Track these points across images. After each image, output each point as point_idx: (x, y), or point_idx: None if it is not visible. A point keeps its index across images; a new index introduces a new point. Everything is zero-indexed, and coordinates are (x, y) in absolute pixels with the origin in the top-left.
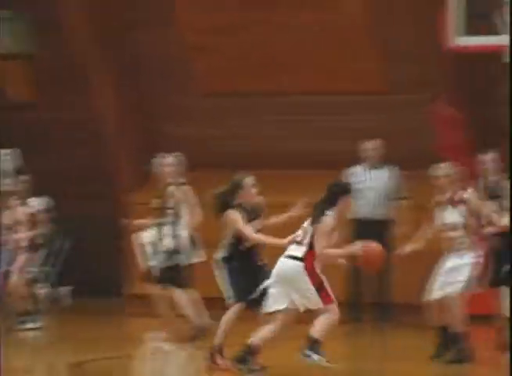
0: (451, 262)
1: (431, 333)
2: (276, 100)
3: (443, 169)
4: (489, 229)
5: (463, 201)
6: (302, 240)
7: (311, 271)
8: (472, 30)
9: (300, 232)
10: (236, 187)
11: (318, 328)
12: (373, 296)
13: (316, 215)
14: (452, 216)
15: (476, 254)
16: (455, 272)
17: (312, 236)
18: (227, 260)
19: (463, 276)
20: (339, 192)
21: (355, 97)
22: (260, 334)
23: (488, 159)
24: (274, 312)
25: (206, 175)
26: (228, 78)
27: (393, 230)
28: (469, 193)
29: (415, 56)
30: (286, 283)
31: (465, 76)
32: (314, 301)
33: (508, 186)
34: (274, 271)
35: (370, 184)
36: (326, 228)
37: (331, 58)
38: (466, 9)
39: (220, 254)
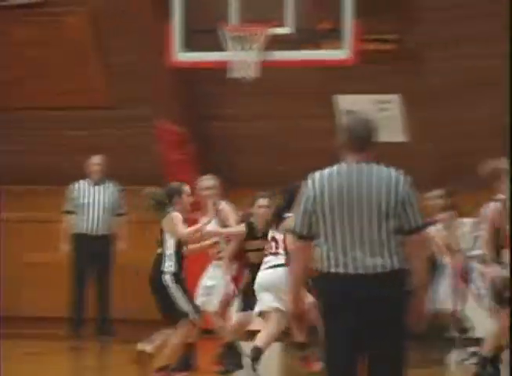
0: (213, 273)
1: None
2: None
3: (207, 180)
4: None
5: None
6: (277, 249)
7: None
8: (196, 45)
9: (272, 243)
10: (174, 193)
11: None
12: (95, 311)
13: (277, 221)
14: (213, 226)
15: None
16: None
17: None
18: (176, 276)
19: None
20: (294, 197)
21: (79, 112)
22: (263, 339)
23: (261, 203)
24: (267, 312)
25: None
26: None
27: (114, 245)
28: (223, 204)
29: (140, 71)
30: (276, 290)
31: (189, 91)
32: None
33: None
34: (262, 281)
35: (93, 199)
36: None
37: (55, 73)
38: (188, 25)
39: (168, 267)
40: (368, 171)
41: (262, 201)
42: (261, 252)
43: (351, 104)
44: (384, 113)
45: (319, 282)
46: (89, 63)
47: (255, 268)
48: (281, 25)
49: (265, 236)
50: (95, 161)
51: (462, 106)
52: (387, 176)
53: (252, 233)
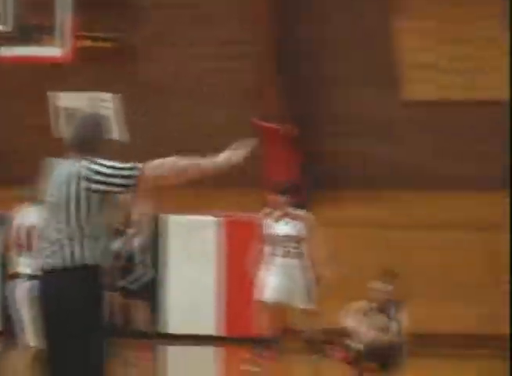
0: None
1: None
2: None
3: None
4: None
5: None
6: None
7: None
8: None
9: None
10: None
11: None
12: None
13: None
14: None
15: None
16: None
17: None
18: None
19: None
20: None
21: None
22: None
23: None
24: None
25: None
26: None
27: None
28: None
29: None
30: None
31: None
32: None
33: None
34: None
35: None
36: None
37: None
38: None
39: None
40: (66, 167)
41: None
42: None
43: (68, 102)
44: (102, 111)
45: None
46: None
47: None
48: None
49: None
50: None
51: (180, 106)
52: (75, 169)
53: None
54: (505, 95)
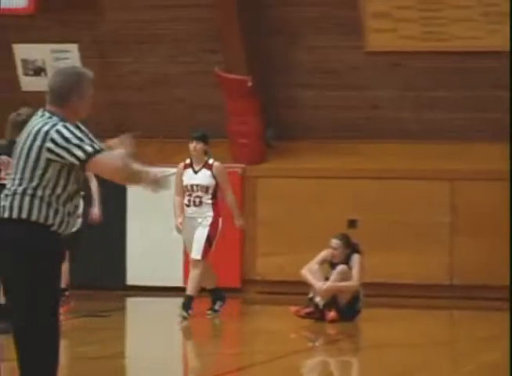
0: None
1: None
2: None
3: None
4: None
5: None
6: None
7: None
8: None
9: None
10: None
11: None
12: None
13: None
14: None
15: None
16: None
17: None
18: None
19: None
20: None
21: None
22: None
23: None
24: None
25: None
26: None
27: None
28: None
29: None
30: None
31: None
32: None
33: None
34: None
35: None
36: None
37: None
38: None
39: None
40: (37, 119)
41: None
42: None
43: (28, 54)
44: (62, 62)
45: None
46: None
47: None
48: None
49: None
50: None
51: (139, 56)
52: (44, 124)
53: None
54: (466, 45)
